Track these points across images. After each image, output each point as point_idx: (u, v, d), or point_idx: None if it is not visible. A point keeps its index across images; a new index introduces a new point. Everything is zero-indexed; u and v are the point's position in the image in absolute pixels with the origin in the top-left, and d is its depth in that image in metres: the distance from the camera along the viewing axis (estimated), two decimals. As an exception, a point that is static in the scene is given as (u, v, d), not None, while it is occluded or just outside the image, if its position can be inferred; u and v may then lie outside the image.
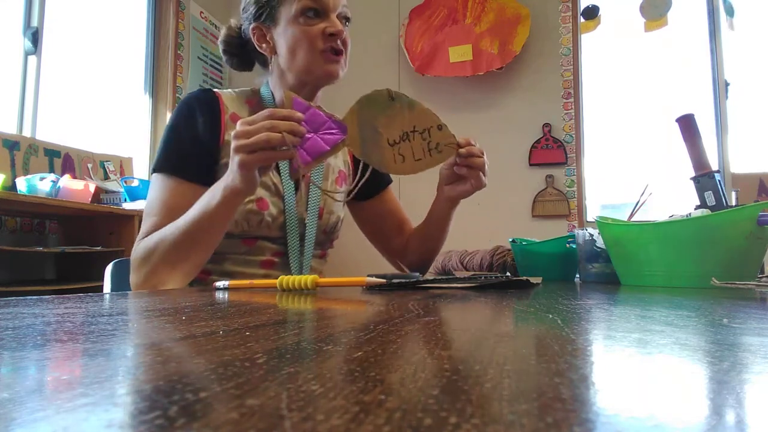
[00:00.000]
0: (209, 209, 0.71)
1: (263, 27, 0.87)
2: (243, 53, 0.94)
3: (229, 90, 0.92)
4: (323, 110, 0.69)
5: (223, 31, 0.94)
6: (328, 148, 0.68)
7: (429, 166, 0.72)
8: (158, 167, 0.81)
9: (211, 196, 0.71)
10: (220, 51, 0.95)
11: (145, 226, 0.79)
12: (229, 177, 0.69)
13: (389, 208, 1.08)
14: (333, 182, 0.96)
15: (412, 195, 1.35)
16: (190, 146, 0.82)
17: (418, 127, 0.71)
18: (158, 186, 0.81)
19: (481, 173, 0.81)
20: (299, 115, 0.66)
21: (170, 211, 0.77)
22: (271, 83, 0.92)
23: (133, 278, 0.76)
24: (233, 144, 0.66)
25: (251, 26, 0.87)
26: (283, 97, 0.90)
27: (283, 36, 0.84)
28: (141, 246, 0.76)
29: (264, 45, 0.88)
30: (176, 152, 0.82)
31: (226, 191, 0.69)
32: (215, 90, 0.89)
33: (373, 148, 0.71)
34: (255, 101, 0.92)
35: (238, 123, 0.66)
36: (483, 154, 0.80)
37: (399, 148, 0.71)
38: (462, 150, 0.76)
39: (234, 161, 0.66)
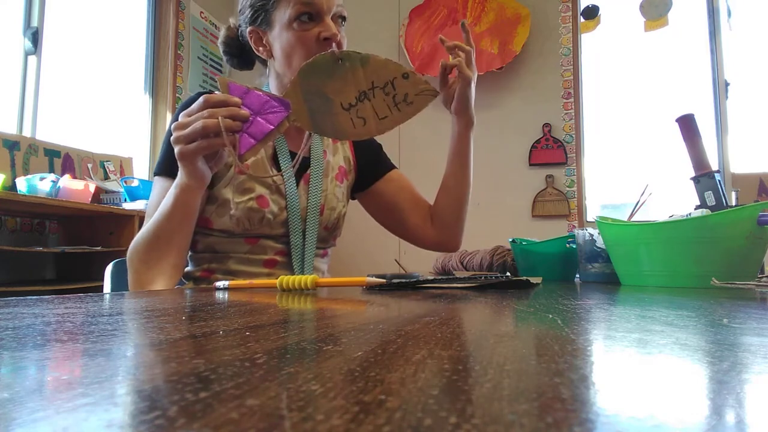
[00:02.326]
0: (167, 209, 0.72)
1: (259, 30, 0.86)
2: (243, 54, 0.94)
3: None
4: (263, 90, 0.66)
5: (222, 32, 0.95)
6: (273, 127, 0.64)
7: (399, 122, 0.64)
8: (156, 170, 0.84)
9: (168, 195, 0.72)
10: (221, 51, 0.96)
11: (142, 228, 0.80)
12: (179, 173, 0.69)
13: (399, 186, 1.02)
14: (333, 179, 0.95)
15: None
16: None
17: (377, 82, 0.63)
18: (156, 188, 0.83)
19: (464, 62, 0.85)
20: (235, 99, 0.64)
21: None
22: (270, 85, 0.92)
23: (128, 278, 0.78)
24: (172, 136, 0.66)
25: (248, 29, 0.88)
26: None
27: (278, 40, 0.84)
28: (130, 246, 0.78)
29: (261, 48, 0.87)
30: (171, 155, 0.82)
31: (177, 189, 0.70)
32: (214, 93, 0.88)
33: (324, 118, 0.64)
34: None
35: (180, 114, 0.66)
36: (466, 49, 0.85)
37: (357, 111, 0.64)
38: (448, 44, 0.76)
39: (175, 153, 0.66)
